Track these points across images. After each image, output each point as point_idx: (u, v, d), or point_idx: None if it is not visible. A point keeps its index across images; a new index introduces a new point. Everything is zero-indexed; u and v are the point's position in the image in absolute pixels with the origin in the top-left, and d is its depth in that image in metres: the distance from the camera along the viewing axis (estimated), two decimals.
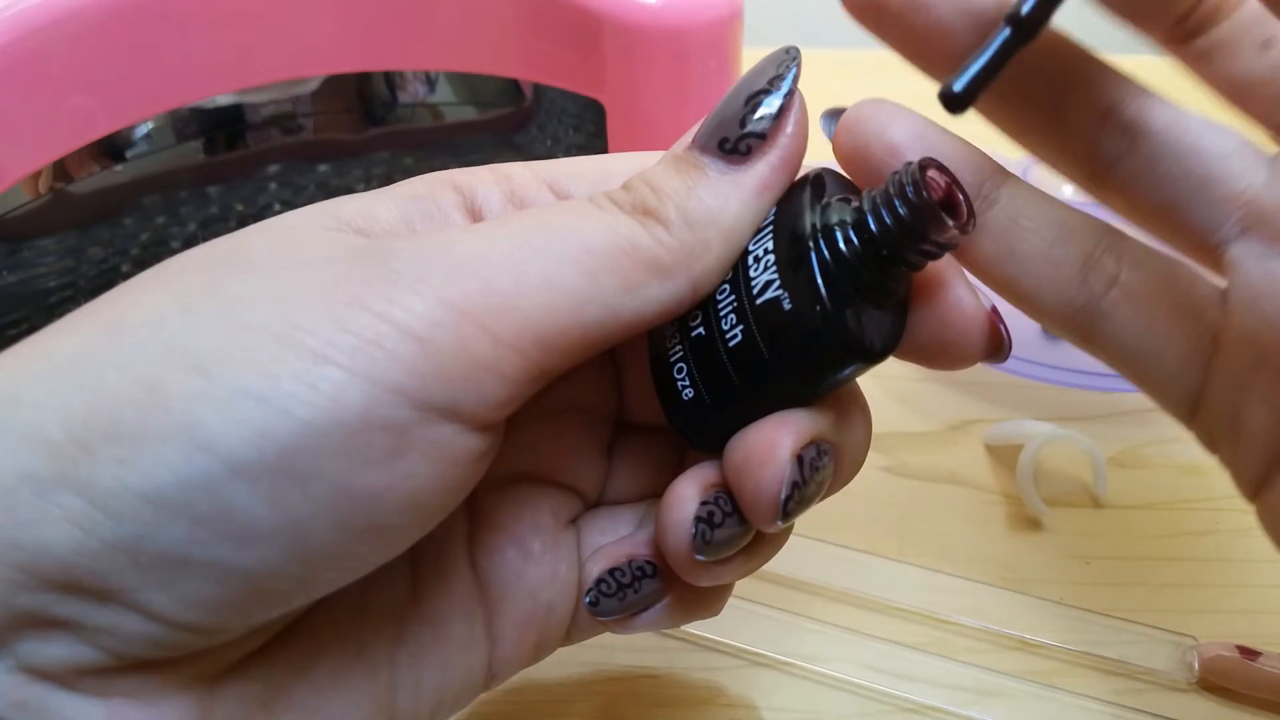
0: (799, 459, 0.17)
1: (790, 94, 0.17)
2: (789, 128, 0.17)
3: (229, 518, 0.14)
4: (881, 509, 0.32)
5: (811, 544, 0.31)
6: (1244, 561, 0.31)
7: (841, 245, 0.16)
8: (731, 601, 0.29)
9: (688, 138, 0.18)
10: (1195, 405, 0.20)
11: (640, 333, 0.17)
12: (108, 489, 0.14)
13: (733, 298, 0.17)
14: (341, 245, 0.16)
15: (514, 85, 0.39)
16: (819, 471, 0.17)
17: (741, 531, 0.18)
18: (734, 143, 0.17)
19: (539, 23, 0.34)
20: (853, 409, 0.19)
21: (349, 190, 0.39)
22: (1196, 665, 0.27)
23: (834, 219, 0.17)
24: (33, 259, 0.33)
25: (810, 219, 0.17)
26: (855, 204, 0.17)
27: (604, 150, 0.36)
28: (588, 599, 0.20)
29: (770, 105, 0.17)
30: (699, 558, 0.18)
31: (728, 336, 0.17)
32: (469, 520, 0.20)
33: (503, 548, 0.20)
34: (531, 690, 0.27)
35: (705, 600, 0.21)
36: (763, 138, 0.17)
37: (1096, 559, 0.31)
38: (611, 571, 0.20)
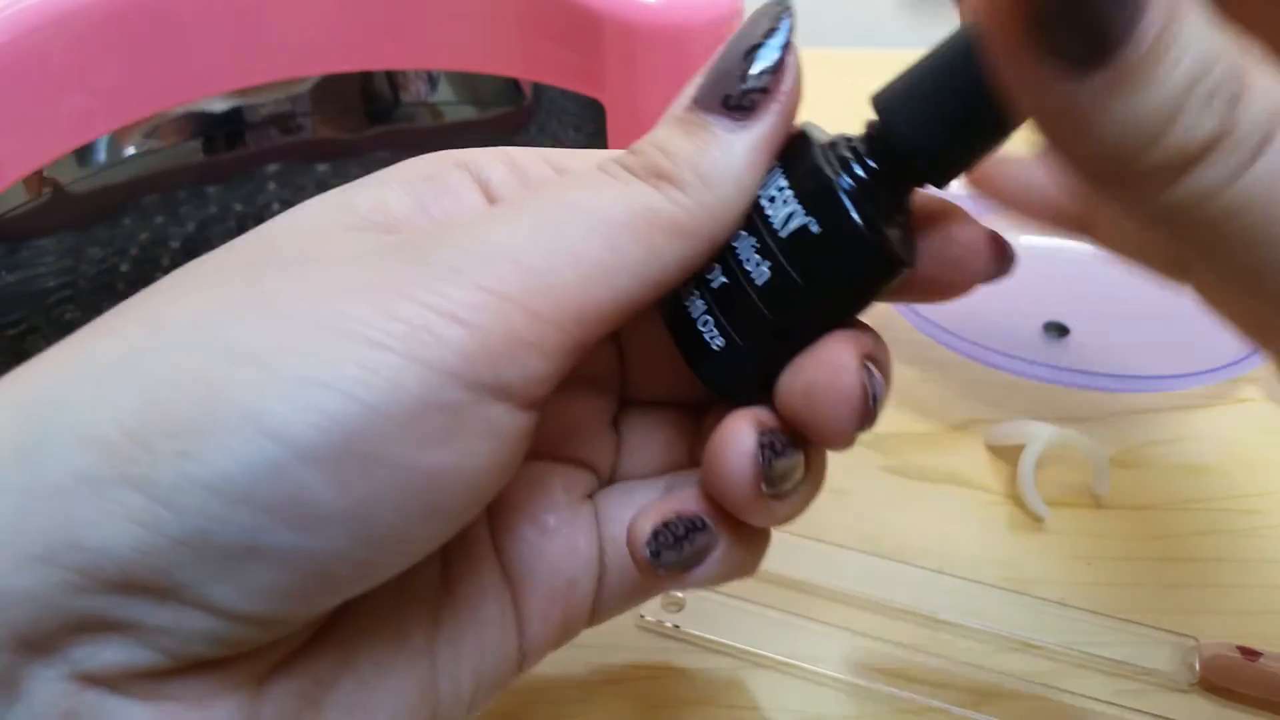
0: (866, 369, 0.17)
1: (786, 45, 0.18)
2: (788, 80, 0.17)
3: (296, 503, 0.14)
4: (881, 509, 0.32)
5: (811, 544, 0.30)
6: (1244, 562, 0.31)
7: (859, 170, 0.17)
8: (732, 602, 0.29)
9: (686, 97, 0.18)
10: None
11: (665, 285, 0.17)
12: (171, 483, 0.14)
13: (752, 240, 0.18)
14: (370, 243, 0.17)
15: (514, 85, 0.39)
16: (881, 385, 0.18)
17: (799, 461, 0.18)
18: (737, 98, 0.17)
19: (539, 22, 0.34)
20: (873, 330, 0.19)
21: None
22: (1197, 665, 0.27)
23: (843, 151, 0.18)
24: (32, 259, 0.33)
25: (822, 154, 0.18)
26: (854, 140, 0.18)
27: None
28: (648, 551, 0.19)
29: (768, 59, 0.17)
30: (765, 489, 0.18)
31: (753, 276, 0.18)
32: None
33: (519, 525, 0.20)
34: (532, 691, 0.27)
35: (752, 550, 0.21)
36: (765, 91, 0.17)
37: (1097, 559, 0.31)
38: (665, 524, 0.20)
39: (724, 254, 0.18)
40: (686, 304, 0.19)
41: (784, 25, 0.18)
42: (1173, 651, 0.27)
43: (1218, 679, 0.27)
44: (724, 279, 0.18)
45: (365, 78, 0.38)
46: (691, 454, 0.22)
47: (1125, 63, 0.12)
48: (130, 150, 0.34)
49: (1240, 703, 0.27)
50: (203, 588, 0.15)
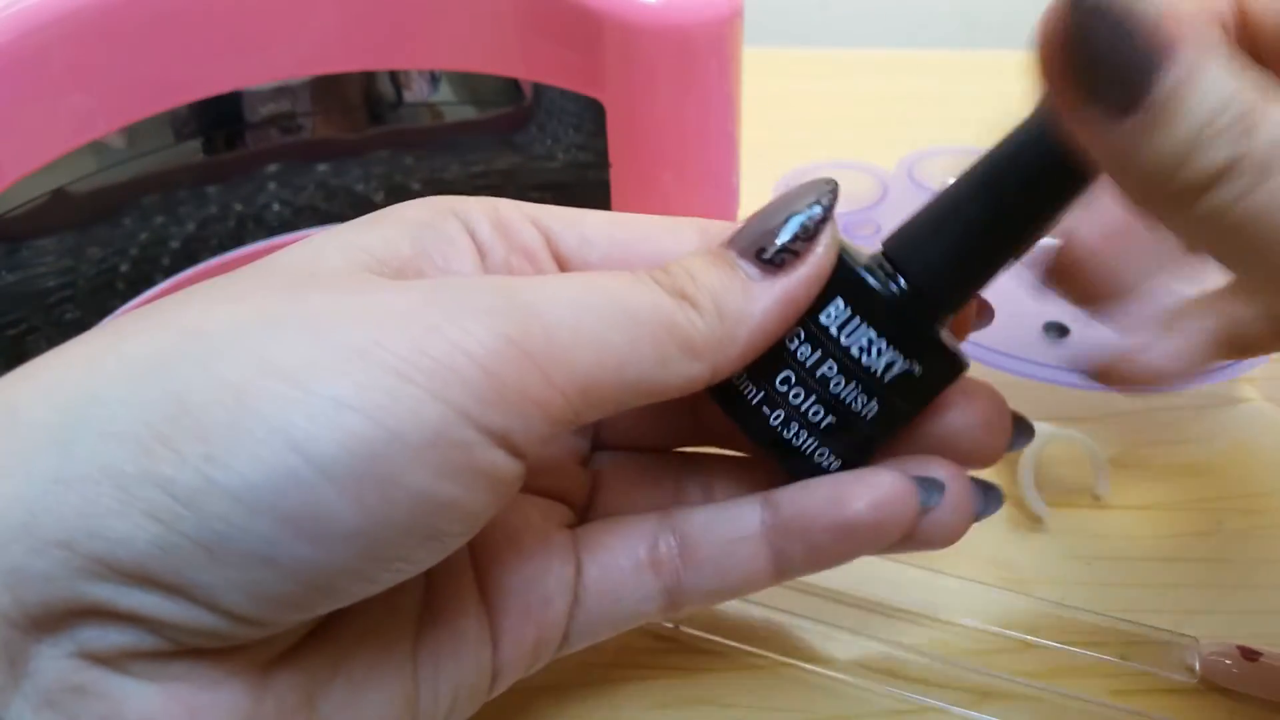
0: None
1: (824, 220, 0.19)
2: (819, 248, 0.19)
3: (315, 517, 0.15)
4: None
5: None
6: (1245, 562, 0.31)
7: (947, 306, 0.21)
8: (732, 602, 0.29)
9: (726, 236, 0.20)
10: None
11: (664, 396, 0.19)
12: (196, 486, 0.15)
13: (854, 384, 0.21)
14: (401, 285, 0.18)
15: (514, 85, 0.39)
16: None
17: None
18: (770, 254, 0.19)
19: (539, 22, 0.34)
20: None
21: (349, 190, 0.39)
22: (1197, 665, 0.27)
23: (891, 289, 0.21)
24: (31, 259, 0.33)
25: (889, 299, 0.20)
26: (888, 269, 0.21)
27: (604, 150, 0.36)
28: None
29: (807, 226, 0.19)
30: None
31: (863, 413, 0.21)
32: None
33: (497, 545, 0.21)
34: (531, 691, 0.27)
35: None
36: (796, 254, 0.19)
37: (1097, 559, 0.31)
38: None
39: (826, 394, 0.21)
40: (788, 437, 0.21)
41: (827, 201, 0.20)
42: (1173, 651, 0.27)
43: (1218, 679, 0.27)
44: (831, 418, 0.21)
45: (367, 77, 0.38)
46: (669, 492, 0.24)
47: (1150, 108, 0.15)
48: (130, 150, 0.34)
49: (1240, 703, 0.27)
50: (213, 589, 0.15)
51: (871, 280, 0.20)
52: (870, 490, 0.21)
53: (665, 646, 0.28)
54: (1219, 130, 0.15)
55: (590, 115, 0.35)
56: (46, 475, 0.15)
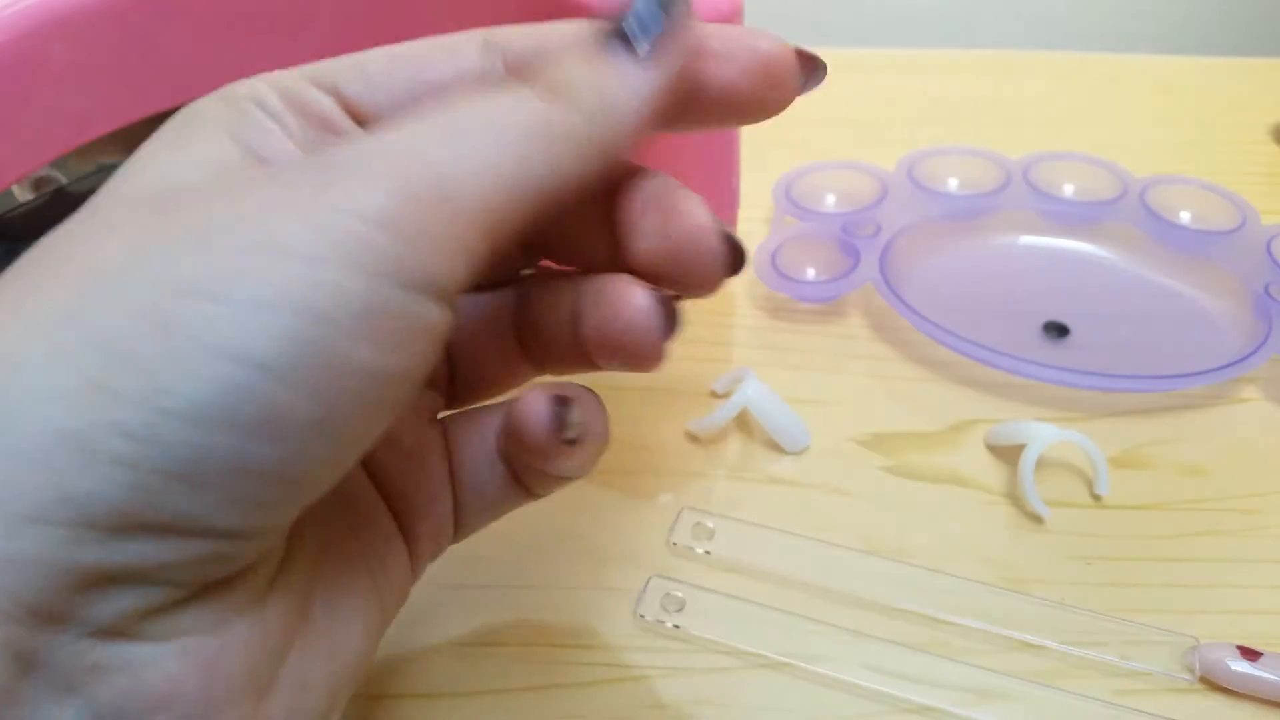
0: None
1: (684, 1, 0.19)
2: (683, 21, 0.19)
3: (272, 418, 0.15)
4: (881, 509, 0.32)
5: (811, 544, 0.31)
6: (1244, 561, 0.31)
7: None
8: (732, 602, 0.29)
9: (592, 27, 0.20)
10: None
11: (564, 200, 0.18)
12: (149, 421, 0.15)
13: None
14: (269, 173, 0.17)
15: None
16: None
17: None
18: (637, 36, 0.19)
19: (538, 22, 0.34)
20: None
21: None
22: (1197, 665, 0.27)
23: None
24: None
25: None
26: None
27: None
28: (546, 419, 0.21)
29: (669, 4, 0.19)
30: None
31: None
32: None
33: (381, 450, 0.22)
34: (532, 690, 0.27)
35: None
36: (663, 33, 0.19)
37: (1097, 559, 0.31)
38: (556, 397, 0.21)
39: None
40: None
41: None
42: (1172, 651, 0.27)
43: (1218, 679, 0.27)
44: None
45: None
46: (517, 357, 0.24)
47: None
48: (130, 151, 0.34)
49: (1240, 703, 0.27)
50: (197, 515, 0.15)
51: None
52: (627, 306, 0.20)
53: (665, 646, 0.28)
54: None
55: None
56: None
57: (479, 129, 0.17)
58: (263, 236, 0.15)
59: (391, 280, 0.16)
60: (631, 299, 0.20)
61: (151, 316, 0.15)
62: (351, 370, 0.16)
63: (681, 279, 0.20)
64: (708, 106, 0.20)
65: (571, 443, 0.21)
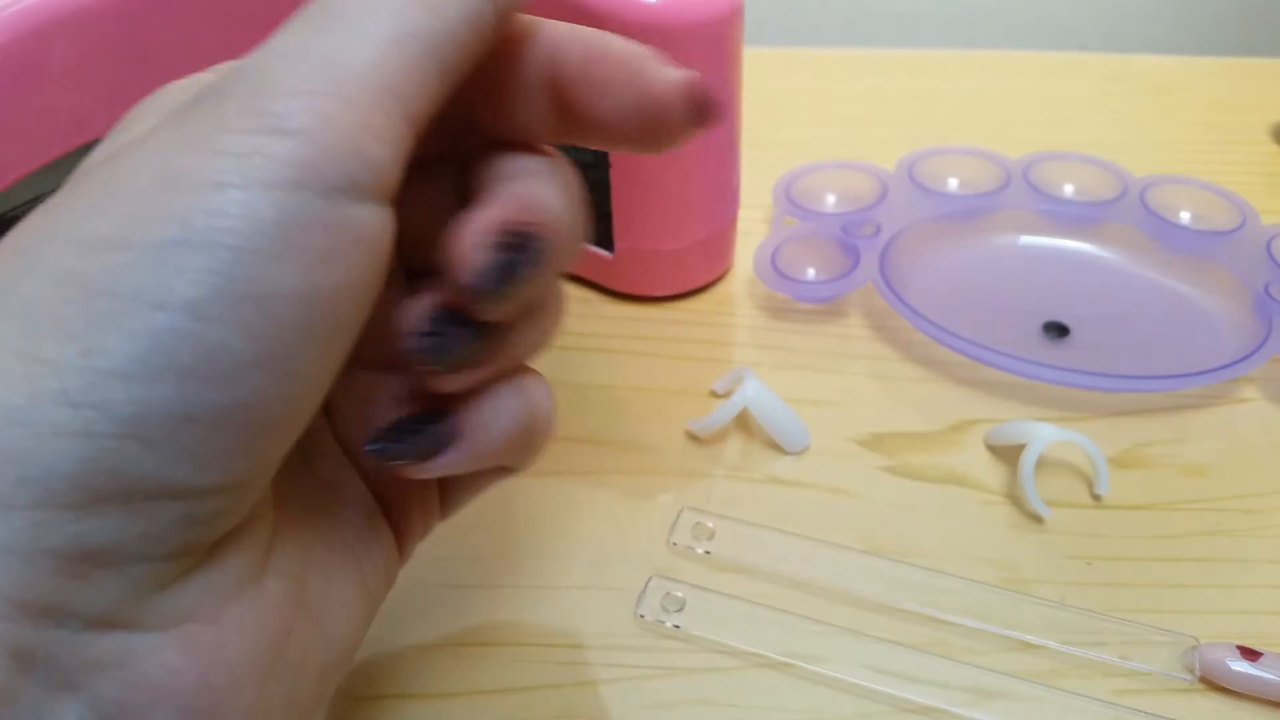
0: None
1: None
2: None
3: (211, 360, 0.15)
4: (881, 509, 0.32)
5: (811, 544, 0.31)
6: (1244, 561, 0.31)
7: None
8: (732, 602, 0.29)
9: None
10: None
11: (473, 55, 0.18)
12: (88, 383, 0.14)
13: None
14: (164, 120, 0.17)
15: None
16: None
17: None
18: None
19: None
20: None
21: None
22: (1197, 665, 0.27)
23: None
24: None
25: None
26: None
27: (605, 155, 0.36)
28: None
29: None
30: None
31: None
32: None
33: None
34: (531, 691, 0.27)
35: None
36: None
37: (1097, 559, 0.31)
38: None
39: None
40: None
41: None
42: (1172, 651, 0.27)
43: (1217, 679, 0.27)
44: None
45: None
46: None
47: None
48: None
49: (1240, 703, 0.27)
50: (159, 474, 0.15)
51: None
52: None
53: (665, 646, 0.28)
54: None
55: None
56: None
57: (355, 6, 0.17)
58: (164, 174, 0.15)
59: (303, 190, 0.15)
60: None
61: (69, 280, 0.15)
62: (281, 295, 0.15)
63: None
64: (590, 132, 0.20)
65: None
